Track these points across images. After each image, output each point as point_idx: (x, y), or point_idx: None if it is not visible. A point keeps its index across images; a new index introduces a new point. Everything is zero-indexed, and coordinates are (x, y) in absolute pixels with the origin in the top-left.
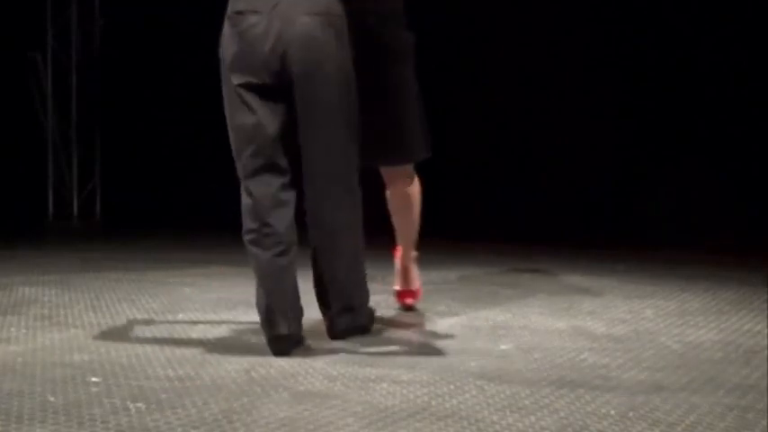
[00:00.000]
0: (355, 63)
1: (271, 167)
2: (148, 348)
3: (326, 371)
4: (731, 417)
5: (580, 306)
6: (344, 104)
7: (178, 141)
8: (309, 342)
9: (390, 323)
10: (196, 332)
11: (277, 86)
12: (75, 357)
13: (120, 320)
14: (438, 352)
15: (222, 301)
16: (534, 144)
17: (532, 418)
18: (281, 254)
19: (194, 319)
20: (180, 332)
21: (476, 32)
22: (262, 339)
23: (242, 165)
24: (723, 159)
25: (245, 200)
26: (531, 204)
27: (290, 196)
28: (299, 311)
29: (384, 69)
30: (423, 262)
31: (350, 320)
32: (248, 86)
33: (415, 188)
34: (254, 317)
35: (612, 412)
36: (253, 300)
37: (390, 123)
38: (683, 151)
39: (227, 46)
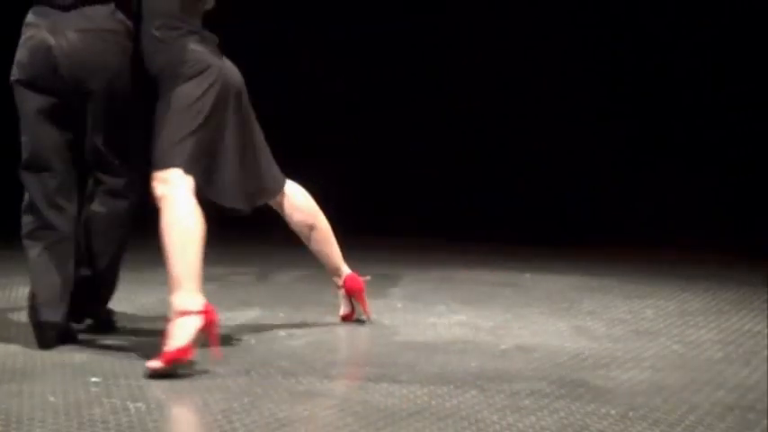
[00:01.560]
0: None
1: (44, 169)
2: (149, 348)
3: (326, 371)
4: (731, 417)
5: (580, 306)
6: (114, 117)
7: None
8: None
9: (390, 323)
10: None
11: (56, 95)
12: (75, 357)
13: (121, 320)
14: (438, 352)
15: (222, 301)
16: (535, 144)
17: (532, 418)
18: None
19: None
20: None
21: (453, 37)
22: (262, 339)
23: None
24: (723, 160)
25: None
26: (531, 204)
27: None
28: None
29: None
30: (423, 261)
31: None
32: (27, 88)
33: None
34: (254, 316)
35: (612, 412)
36: (250, 299)
37: None
38: (684, 151)
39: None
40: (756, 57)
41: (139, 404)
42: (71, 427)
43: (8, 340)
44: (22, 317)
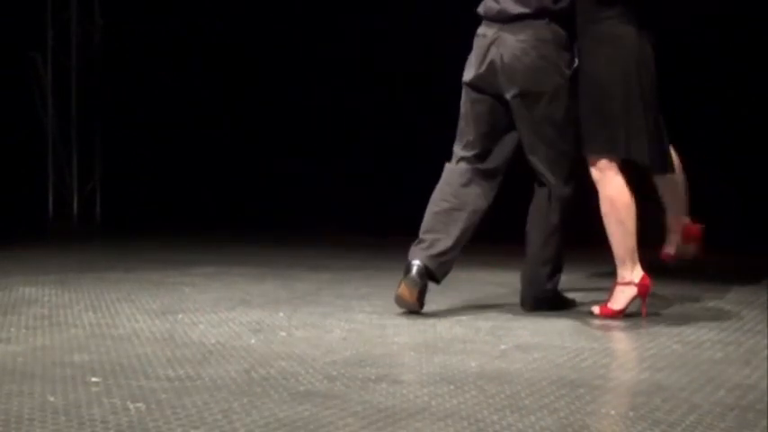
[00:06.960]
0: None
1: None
2: (148, 348)
3: (326, 371)
4: (731, 417)
5: (580, 306)
6: (542, 116)
7: (178, 141)
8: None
9: (390, 323)
10: (196, 332)
11: (494, 95)
12: (75, 357)
13: (120, 320)
14: (438, 352)
15: (222, 301)
16: None
17: (532, 418)
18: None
19: (194, 319)
20: (180, 332)
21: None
22: (262, 339)
23: None
24: (723, 159)
25: None
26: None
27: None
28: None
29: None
30: None
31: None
32: (472, 89)
33: (612, 195)
34: (254, 317)
35: (612, 412)
36: (250, 299)
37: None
38: (684, 151)
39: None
40: (757, 56)
41: (139, 404)
42: (71, 427)
43: (8, 340)
44: (23, 317)
